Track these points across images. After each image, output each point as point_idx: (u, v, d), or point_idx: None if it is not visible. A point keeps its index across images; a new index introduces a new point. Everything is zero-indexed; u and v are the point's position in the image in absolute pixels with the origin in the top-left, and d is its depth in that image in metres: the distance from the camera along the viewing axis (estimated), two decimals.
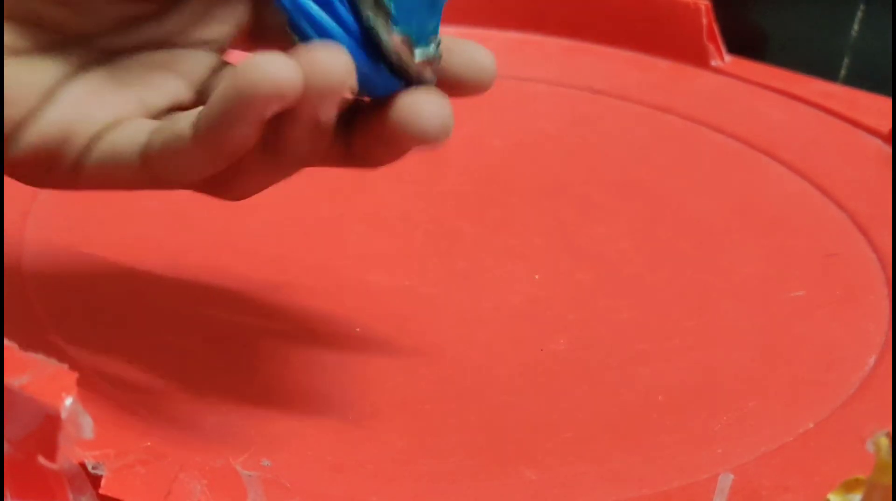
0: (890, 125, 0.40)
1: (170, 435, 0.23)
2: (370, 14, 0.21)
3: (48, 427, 0.19)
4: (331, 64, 0.19)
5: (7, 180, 0.32)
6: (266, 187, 0.23)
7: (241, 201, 0.33)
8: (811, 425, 0.26)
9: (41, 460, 0.19)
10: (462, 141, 0.40)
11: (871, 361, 0.28)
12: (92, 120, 0.22)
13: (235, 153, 0.21)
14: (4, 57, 0.21)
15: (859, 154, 0.39)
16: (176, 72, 0.22)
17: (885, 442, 0.17)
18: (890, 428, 0.24)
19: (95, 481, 0.21)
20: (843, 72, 0.48)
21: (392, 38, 0.21)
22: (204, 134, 0.20)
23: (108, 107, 0.22)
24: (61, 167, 0.22)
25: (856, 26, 0.47)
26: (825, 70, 0.46)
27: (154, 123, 0.22)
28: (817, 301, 0.31)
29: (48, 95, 0.22)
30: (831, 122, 0.41)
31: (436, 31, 0.21)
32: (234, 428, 0.24)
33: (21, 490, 0.19)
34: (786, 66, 0.44)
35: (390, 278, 0.31)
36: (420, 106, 0.21)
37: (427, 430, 0.25)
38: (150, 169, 0.21)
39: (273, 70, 0.19)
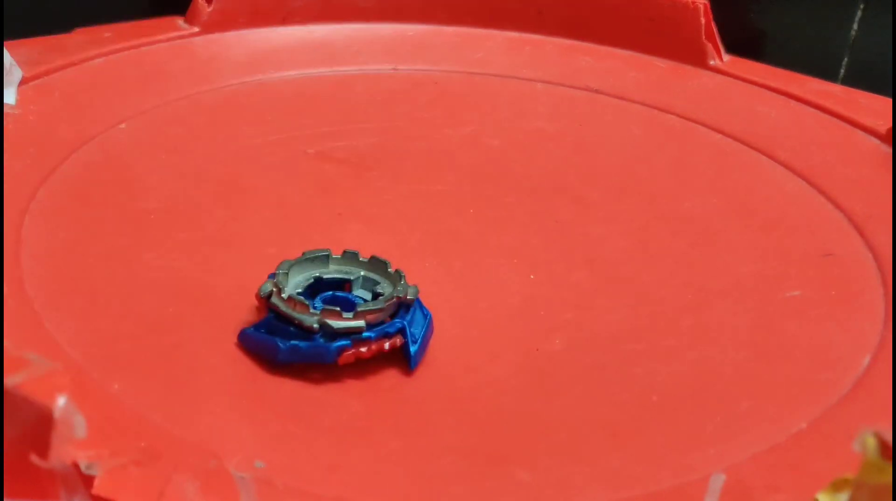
0: (889, 125, 0.40)
1: (163, 436, 0.23)
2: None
3: (41, 426, 0.19)
4: None
5: (7, 179, 0.32)
6: None
7: (241, 203, 0.34)
8: (804, 425, 0.25)
9: (34, 459, 0.19)
10: (461, 141, 0.40)
11: (866, 361, 0.28)
12: None
13: None
14: None
15: (857, 154, 0.39)
16: None
17: (872, 441, 0.17)
18: (878, 428, 0.24)
19: (88, 481, 0.21)
20: (841, 71, 0.48)
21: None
22: None
23: None
24: None
25: (855, 26, 0.47)
26: (824, 70, 0.46)
27: None
28: (813, 301, 0.31)
29: None
30: (830, 121, 0.41)
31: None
32: (227, 429, 0.24)
33: (13, 490, 0.19)
34: (784, 65, 0.44)
35: None
36: None
37: (421, 430, 0.25)
38: None
39: None
